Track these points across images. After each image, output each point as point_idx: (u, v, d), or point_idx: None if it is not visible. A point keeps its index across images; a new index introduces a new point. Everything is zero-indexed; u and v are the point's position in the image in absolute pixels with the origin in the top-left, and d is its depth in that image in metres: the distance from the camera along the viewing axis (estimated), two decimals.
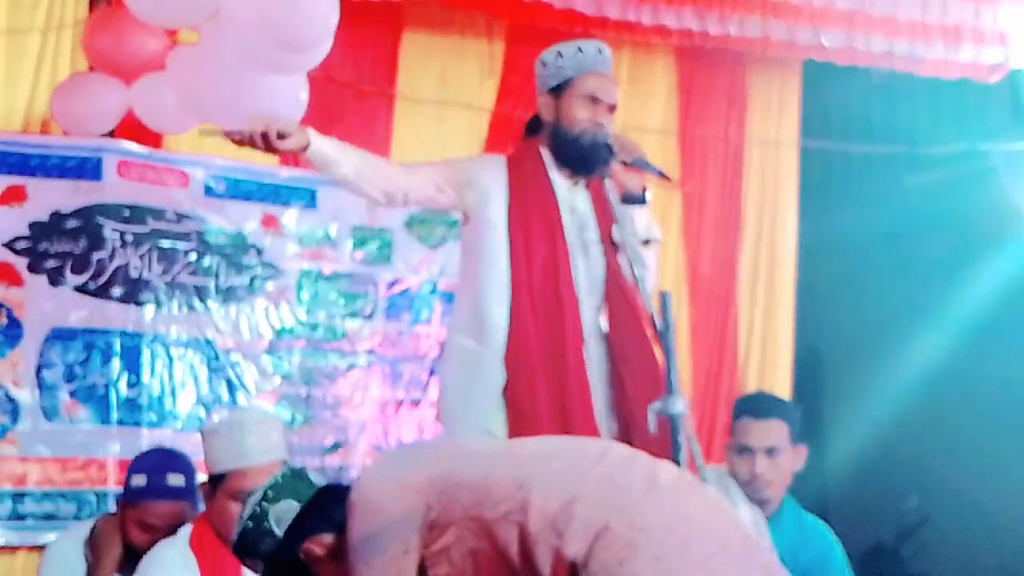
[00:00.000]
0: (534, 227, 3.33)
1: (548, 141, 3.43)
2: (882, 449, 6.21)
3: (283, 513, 2.26)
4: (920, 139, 6.09)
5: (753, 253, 5.91)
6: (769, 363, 5.86)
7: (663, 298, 2.85)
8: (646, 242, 3.33)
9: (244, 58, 3.55)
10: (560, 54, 3.41)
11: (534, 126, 3.52)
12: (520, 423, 3.19)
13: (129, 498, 3.53)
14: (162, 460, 3.62)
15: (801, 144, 6.07)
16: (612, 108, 3.43)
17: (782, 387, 5.82)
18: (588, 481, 1.96)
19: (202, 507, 3.49)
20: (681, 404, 2.81)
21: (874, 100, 6.24)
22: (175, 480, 3.53)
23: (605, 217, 3.41)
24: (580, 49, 3.41)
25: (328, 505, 2.23)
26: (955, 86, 5.78)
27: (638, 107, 5.69)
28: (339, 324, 4.88)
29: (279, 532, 2.25)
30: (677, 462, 2.78)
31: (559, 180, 3.43)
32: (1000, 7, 5.43)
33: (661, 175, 3.35)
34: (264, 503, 2.27)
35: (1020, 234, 5.94)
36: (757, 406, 3.72)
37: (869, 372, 6.36)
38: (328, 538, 2.19)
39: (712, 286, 5.83)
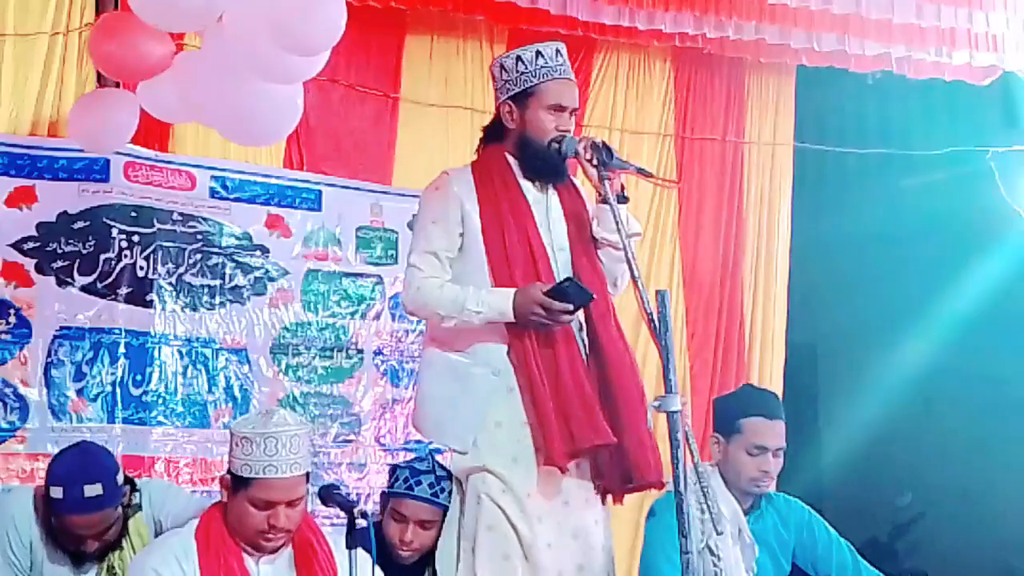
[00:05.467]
0: (510, 234, 3.35)
1: (515, 149, 3.43)
2: (876, 445, 6.28)
3: None
4: (914, 141, 6.16)
5: (749, 253, 5.97)
6: (764, 360, 5.92)
7: (661, 297, 2.88)
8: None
9: (246, 64, 3.55)
10: (520, 60, 3.39)
11: (494, 131, 3.50)
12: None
13: (50, 508, 3.42)
14: (78, 469, 3.41)
15: (796, 146, 6.14)
16: (575, 112, 3.45)
17: (775, 384, 5.87)
18: None
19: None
20: (678, 402, 2.86)
21: (869, 103, 6.30)
22: (92, 491, 3.34)
23: (576, 219, 3.45)
24: (540, 54, 3.40)
25: None
26: (948, 89, 5.85)
27: (636, 111, 5.75)
28: (344, 324, 4.92)
29: None
30: (675, 458, 2.84)
31: (527, 186, 3.44)
32: (993, 11, 5.50)
33: (641, 172, 3.37)
34: None
35: (1012, 234, 6.03)
36: (769, 407, 3.73)
37: (863, 370, 6.44)
38: None
39: (710, 286, 5.89)
